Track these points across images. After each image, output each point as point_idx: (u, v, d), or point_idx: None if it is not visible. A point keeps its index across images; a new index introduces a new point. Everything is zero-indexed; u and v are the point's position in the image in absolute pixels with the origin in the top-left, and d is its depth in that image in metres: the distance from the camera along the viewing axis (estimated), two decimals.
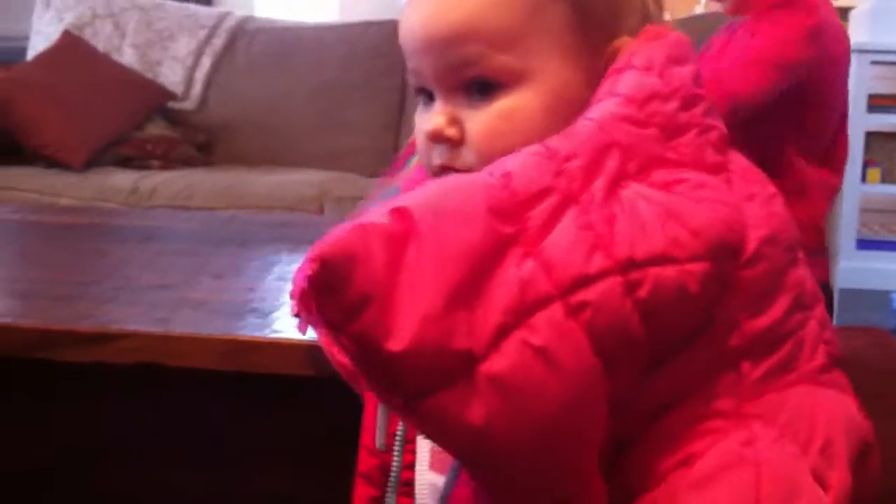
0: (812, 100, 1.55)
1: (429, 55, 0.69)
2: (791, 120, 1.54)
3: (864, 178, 3.30)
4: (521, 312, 0.57)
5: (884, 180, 3.36)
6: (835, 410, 0.66)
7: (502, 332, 0.57)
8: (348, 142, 3.01)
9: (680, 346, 0.63)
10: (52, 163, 2.73)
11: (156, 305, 1.02)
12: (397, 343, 0.55)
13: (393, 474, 0.75)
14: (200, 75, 3.16)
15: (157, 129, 3.01)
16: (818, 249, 1.58)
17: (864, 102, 3.18)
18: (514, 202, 0.60)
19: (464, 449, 0.59)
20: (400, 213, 0.58)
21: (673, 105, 0.66)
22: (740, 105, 1.46)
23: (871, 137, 3.30)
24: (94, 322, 0.94)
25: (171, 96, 3.11)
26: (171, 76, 3.16)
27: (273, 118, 3.09)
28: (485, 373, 0.56)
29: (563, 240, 0.60)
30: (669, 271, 0.60)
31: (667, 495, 0.61)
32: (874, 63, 3.20)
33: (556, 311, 0.58)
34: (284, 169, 2.87)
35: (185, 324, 0.95)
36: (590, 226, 0.60)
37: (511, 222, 0.59)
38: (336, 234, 0.56)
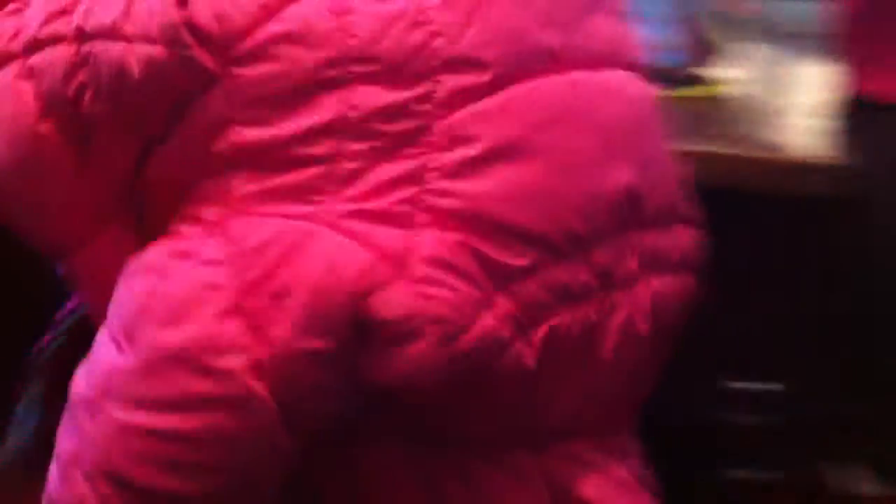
0: None
1: None
2: None
3: None
4: None
5: None
6: (322, 261, 0.57)
7: None
8: None
9: (162, 137, 0.59)
10: None
11: None
12: None
13: None
14: None
15: None
16: None
17: None
18: None
19: None
20: None
21: None
22: None
23: None
24: None
25: None
26: None
27: None
28: None
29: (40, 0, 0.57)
30: (115, 48, 0.56)
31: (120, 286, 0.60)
32: None
33: (9, 70, 0.56)
34: None
35: None
36: None
37: None
38: None
